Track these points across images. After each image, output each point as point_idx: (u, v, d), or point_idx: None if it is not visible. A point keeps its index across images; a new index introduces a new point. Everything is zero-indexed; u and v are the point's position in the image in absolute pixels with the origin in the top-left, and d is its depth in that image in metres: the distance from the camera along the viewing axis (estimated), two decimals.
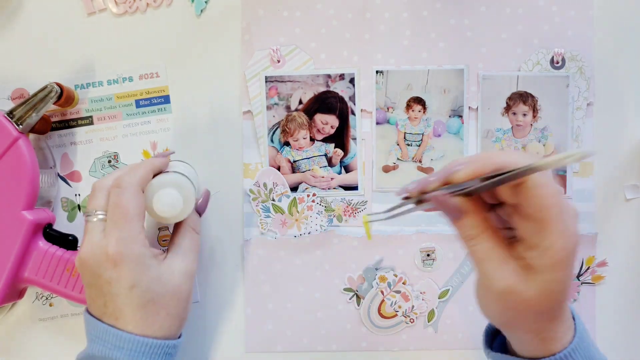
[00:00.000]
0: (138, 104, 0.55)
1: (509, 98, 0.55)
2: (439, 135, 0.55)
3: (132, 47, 0.55)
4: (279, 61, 0.55)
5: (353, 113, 0.55)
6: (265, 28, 0.55)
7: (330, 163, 0.55)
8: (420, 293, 0.55)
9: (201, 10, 0.55)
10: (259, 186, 0.55)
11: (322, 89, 0.55)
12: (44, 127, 0.54)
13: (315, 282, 0.55)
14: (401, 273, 0.55)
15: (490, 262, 0.35)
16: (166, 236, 0.55)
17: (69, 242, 0.51)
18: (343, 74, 0.55)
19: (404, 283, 0.55)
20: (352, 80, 0.55)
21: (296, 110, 0.55)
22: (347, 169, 0.55)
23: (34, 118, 0.50)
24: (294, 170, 0.55)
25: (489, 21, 0.55)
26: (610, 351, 0.54)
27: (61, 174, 0.56)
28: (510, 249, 0.36)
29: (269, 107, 0.55)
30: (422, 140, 0.55)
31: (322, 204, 0.55)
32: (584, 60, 0.55)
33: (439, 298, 0.55)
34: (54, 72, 0.55)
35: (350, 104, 0.55)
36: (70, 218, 0.56)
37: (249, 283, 0.55)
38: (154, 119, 0.56)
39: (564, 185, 0.55)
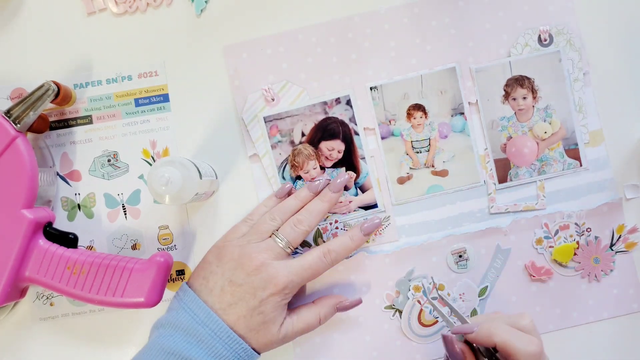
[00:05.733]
0: (137, 102, 0.56)
1: (506, 85, 0.55)
2: (446, 137, 0.55)
3: (132, 46, 0.56)
4: (273, 99, 0.55)
5: (356, 133, 0.55)
6: (253, 70, 0.55)
7: (345, 187, 0.55)
8: (459, 295, 0.55)
9: (201, 10, 0.55)
10: None
11: (321, 116, 0.55)
12: (42, 126, 0.54)
13: (355, 307, 0.55)
14: (437, 279, 0.55)
15: None
16: (166, 235, 0.55)
17: (69, 241, 0.51)
18: (339, 98, 0.55)
19: (439, 289, 0.55)
20: (348, 102, 0.55)
21: (300, 143, 0.55)
22: (363, 189, 0.55)
23: (31, 117, 0.50)
24: None
25: (469, 14, 0.55)
26: None
27: (61, 173, 0.56)
28: None
29: (273, 146, 0.55)
30: (429, 145, 0.55)
31: (345, 228, 0.55)
32: (571, 32, 0.55)
33: (478, 296, 0.55)
34: (54, 71, 0.56)
35: (351, 125, 0.55)
36: (70, 217, 0.56)
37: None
38: (154, 118, 0.56)
39: (578, 158, 0.55)
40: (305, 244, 0.55)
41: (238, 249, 0.49)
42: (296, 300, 0.54)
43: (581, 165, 0.55)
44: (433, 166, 0.55)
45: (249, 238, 0.50)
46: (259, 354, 0.48)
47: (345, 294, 0.55)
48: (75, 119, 0.56)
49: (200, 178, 0.49)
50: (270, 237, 0.50)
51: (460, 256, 0.55)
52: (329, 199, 0.52)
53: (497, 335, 0.42)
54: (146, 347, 0.46)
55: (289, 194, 0.53)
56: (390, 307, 0.55)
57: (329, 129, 0.55)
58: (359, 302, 0.53)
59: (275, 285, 0.47)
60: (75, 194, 0.56)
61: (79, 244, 0.52)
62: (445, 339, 0.46)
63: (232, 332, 0.46)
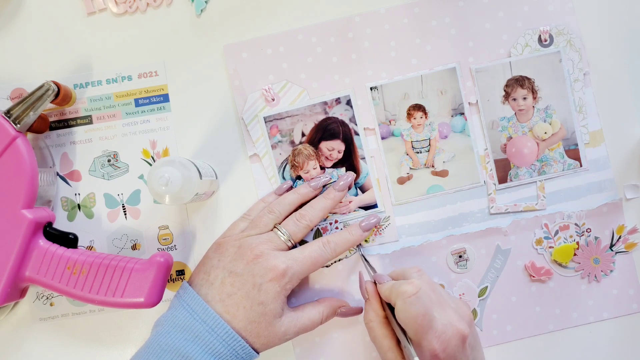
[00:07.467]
0: (137, 102, 0.56)
1: (506, 85, 0.55)
2: (446, 137, 0.55)
3: (132, 46, 0.56)
4: (273, 99, 0.55)
5: (356, 133, 0.55)
6: (253, 69, 0.55)
7: None
8: (459, 295, 0.55)
9: (201, 10, 0.55)
10: None
11: (322, 116, 0.55)
12: (42, 126, 0.54)
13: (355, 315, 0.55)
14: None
15: (380, 346, 0.46)
16: (166, 235, 0.55)
17: (69, 241, 0.51)
18: (339, 98, 0.55)
19: None
20: (349, 102, 0.55)
21: (300, 143, 0.55)
22: (363, 189, 0.55)
23: (31, 117, 0.50)
24: None
25: (469, 14, 0.55)
26: None
27: (61, 174, 0.56)
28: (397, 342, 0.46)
29: (273, 146, 0.55)
30: (429, 145, 0.55)
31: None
32: (571, 33, 0.55)
33: (478, 297, 0.55)
34: (54, 71, 0.56)
35: (352, 125, 0.55)
36: (70, 217, 0.55)
37: None
38: (154, 118, 0.56)
39: (578, 159, 0.55)
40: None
41: (238, 242, 0.49)
42: (298, 299, 0.54)
43: (581, 166, 0.55)
44: (433, 166, 0.55)
45: (249, 232, 0.50)
46: (257, 353, 0.48)
47: (345, 295, 0.55)
48: (75, 119, 0.56)
49: (200, 178, 0.49)
50: (272, 230, 0.51)
51: (460, 256, 0.55)
52: (333, 196, 0.52)
53: (386, 285, 0.46)
54: (144, 345, 0.46)
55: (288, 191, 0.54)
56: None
57: (329, 129, 0.55)
58: (360, 311, 0.53)
59: (275, 271, 0.47)
60: (75, 194, 0.56)
61: (79, 244, 0.52)
62: (360, 276, 0.51)
63: (229, 328, 0.46)
